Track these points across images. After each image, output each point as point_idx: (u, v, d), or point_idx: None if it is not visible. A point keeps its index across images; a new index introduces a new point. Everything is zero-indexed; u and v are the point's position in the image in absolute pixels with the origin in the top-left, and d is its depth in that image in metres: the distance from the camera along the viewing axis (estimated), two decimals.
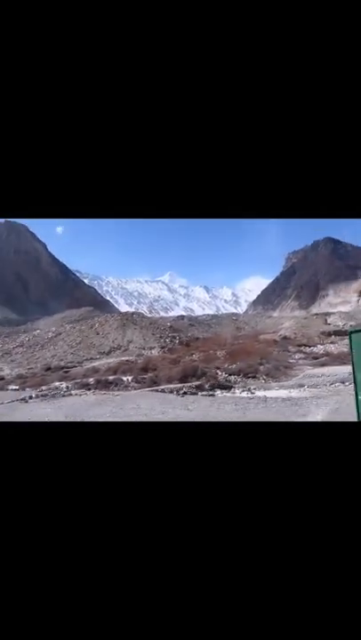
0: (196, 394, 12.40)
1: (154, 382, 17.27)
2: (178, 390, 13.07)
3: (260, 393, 11.20)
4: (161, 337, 38.83)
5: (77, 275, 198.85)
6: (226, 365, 19.68)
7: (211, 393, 12.30)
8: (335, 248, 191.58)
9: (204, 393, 12.49)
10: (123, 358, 28.18)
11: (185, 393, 12.16)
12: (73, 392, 14.29)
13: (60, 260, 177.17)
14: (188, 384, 14.59)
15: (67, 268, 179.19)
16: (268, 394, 11.19)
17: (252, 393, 11.34)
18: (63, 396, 13.46)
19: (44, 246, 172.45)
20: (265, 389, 11.98)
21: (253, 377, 17.07)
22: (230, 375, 17.63)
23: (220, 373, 17.96)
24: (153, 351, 32.48)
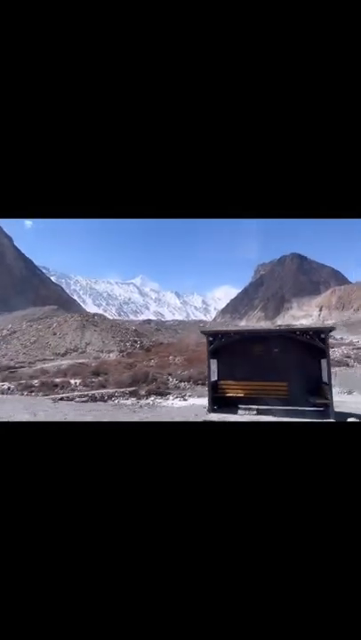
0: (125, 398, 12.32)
1: (102, 386, 16.74)
2: (116, 395, 12.88)
3: (192, 400, 11.23)
4: (122, 340, 38.07)
5: (44, 272, 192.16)
6: (178, 372, 19.53)
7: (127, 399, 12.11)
8: (301, 263, 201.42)
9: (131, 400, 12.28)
10: (78, 361, 27.24)
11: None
12: None
13: (27, 255, 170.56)
14: (122, 390, 14.28)
15: (33, 264, 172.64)
16: (195, 401, 11.33)
17: (185, 400, 11.36)
18: None
19: (10, 240, 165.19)
20: (199, 397, 12.02)
21: (203, 384, 17.03)
22: (181, 381, 17.50)
23: (170, 379, 17.76)
24: (111, 355, 31.72)
